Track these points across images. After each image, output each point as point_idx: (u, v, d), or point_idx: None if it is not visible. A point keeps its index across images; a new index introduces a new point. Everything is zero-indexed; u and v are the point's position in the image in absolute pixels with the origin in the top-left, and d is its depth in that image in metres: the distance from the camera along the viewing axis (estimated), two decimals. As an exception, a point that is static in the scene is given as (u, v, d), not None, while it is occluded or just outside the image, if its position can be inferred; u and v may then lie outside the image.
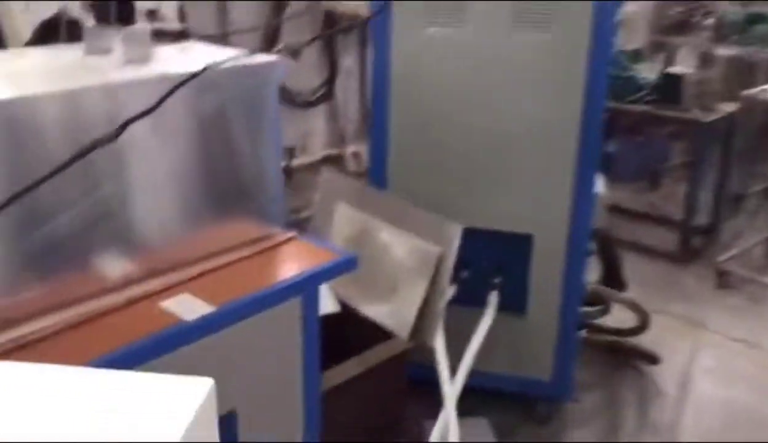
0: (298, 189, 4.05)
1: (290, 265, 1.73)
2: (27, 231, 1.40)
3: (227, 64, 1.65)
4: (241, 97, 1.71)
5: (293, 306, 1.65)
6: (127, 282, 1.55)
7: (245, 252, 1.74)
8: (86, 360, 1.34)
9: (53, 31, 2.59)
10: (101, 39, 1.69)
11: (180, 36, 1.93)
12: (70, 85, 1.46)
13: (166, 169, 1.61)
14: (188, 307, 1.50)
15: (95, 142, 1.42)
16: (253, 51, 1.77)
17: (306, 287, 1.66)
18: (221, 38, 2.55)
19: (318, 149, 4.74)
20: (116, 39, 1.67)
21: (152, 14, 2.76)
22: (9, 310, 1.38)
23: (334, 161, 4.72)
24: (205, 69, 1.58)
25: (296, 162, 4.43)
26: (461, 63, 2.46)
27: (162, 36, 1.91)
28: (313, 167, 4.43)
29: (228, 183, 1.72)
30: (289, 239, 1.83)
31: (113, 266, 1.54)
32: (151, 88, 1.50)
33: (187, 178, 1.65)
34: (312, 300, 1.69)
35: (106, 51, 1.70)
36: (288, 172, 4.42)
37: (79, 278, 1.49)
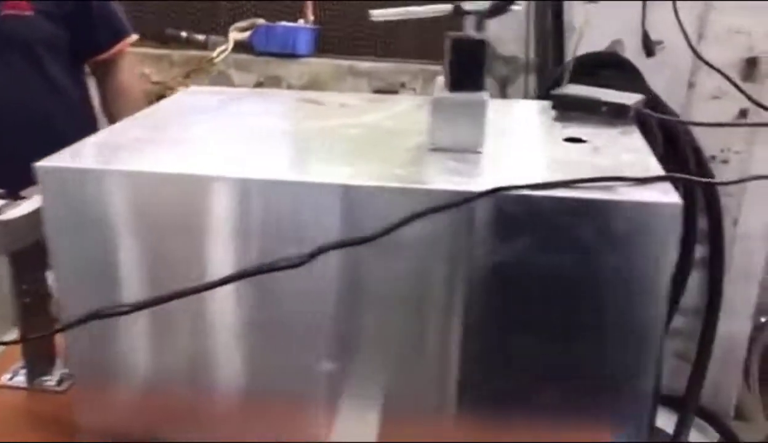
0: None
1: None
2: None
3: (552, 193, 0.82)
4: (588, 251, 0.82)
5: None
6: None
7: None
8: None
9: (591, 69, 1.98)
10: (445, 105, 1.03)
11: (619, 111, 1.09)
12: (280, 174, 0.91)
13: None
14: None
15: (276, 262, 0.86)
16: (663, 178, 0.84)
17: None
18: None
19: None
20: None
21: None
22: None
23: None
24: (486, 193, 0.81)
25: None
26: None
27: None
28: None
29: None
30: None
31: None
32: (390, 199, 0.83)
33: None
34: None
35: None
36: None
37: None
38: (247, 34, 2.81)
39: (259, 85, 2.78)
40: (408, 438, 0.92)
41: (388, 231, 0.85)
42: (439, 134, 0.97)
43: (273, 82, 2.74)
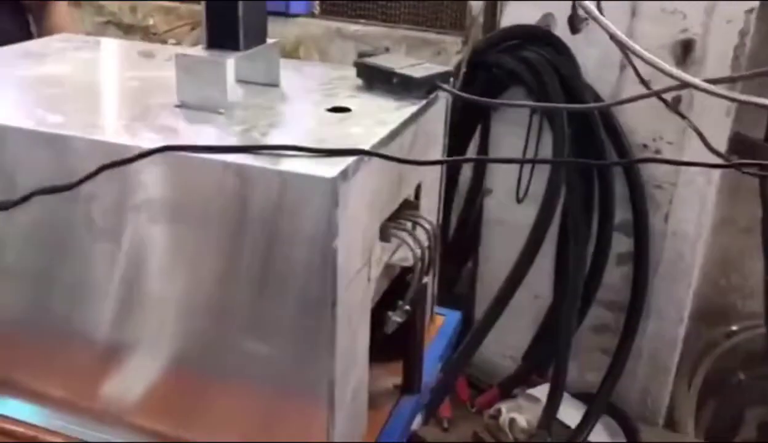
0: None
1: None
2: None
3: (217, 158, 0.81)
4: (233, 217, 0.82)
5: None
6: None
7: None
8: None
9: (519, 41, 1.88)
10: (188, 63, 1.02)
11: (407, 84, 1.04)
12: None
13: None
14: None
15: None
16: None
17: None
18: None
19: None
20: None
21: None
22: None
23: None
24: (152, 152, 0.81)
25: None
26: None
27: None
28: None
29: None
30: None
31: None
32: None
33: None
34: None
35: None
36: None
37: None
38: (247, -9, 2.84)
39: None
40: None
41: (80, 182, 0.87)
42: (183, 91, 0.97)
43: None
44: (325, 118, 0.98)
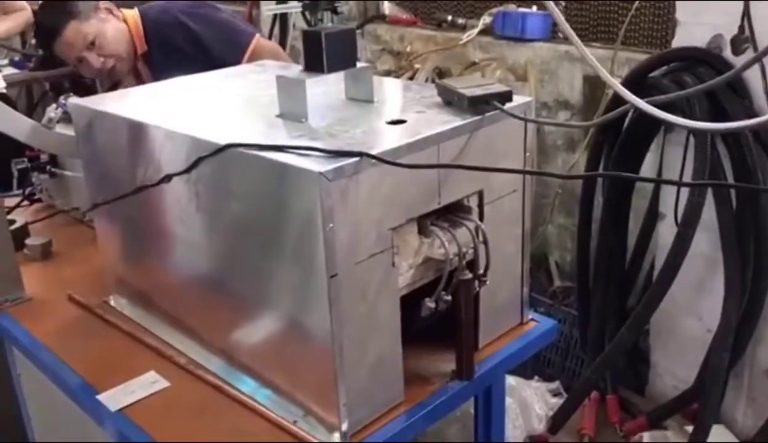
0: None
1: None
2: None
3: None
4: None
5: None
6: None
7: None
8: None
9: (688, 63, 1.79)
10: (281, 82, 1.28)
11: (465, 101, 1.18)
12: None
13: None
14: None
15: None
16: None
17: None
18: None
19: None
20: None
21: None
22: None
23: None
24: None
25: None
26: None
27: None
28: None
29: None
30: None
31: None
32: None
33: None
34: None
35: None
36: None
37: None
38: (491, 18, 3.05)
39: (472, 64, 3.02)
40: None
41: (188, 169, 1.20)
42: (281, 104, 1.25)
43: (489, 61, 2.96)
44: (378, 128, 1.18)
